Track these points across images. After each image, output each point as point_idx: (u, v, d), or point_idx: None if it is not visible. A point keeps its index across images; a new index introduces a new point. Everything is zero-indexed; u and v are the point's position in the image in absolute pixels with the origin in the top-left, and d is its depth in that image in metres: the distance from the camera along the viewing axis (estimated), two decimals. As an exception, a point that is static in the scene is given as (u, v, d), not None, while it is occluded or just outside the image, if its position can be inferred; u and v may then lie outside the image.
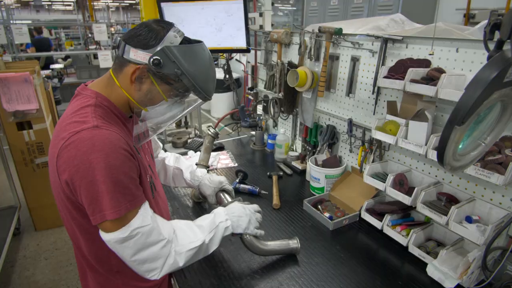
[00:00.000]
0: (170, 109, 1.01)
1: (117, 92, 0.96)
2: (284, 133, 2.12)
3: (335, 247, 1.36)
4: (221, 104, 6.45)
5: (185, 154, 2.23)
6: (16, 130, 2.86)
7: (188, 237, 1.02)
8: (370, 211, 1.48)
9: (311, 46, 1.78)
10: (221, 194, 1.36)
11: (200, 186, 1.40)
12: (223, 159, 2.19)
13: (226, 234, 1.11)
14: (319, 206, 1.61)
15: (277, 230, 1.46)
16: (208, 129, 1.59)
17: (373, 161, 1.53)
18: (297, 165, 2.00)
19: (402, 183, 1.36)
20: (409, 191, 1.32)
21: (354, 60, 1.61)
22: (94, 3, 14.07)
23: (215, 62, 7.38)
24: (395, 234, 1.35)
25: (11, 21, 5.84)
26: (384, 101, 1.49)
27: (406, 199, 1.28)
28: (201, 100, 1.03)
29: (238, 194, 1.76)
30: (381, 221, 1.41)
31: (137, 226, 0.88)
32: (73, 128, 0.85)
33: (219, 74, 5.64)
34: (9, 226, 2.84)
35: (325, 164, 1.72)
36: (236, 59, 3.19)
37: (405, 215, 1.45)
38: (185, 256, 0.98)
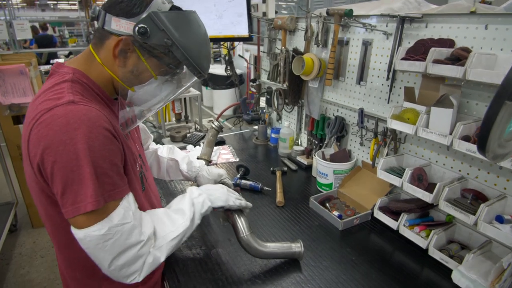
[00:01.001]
0: (160, 89, 0.88)
1: (98, 70, 0.83)
2: (288, 126, 1.98)
3: (345, 249, 1.22)
4: (223, 100, 6.32)
5: (183, 148, 2.10)
6: (12, 124, 2.78)
7: (168, 227, 0.90)
8: (384, 209, 1.34)
9: (318, 31, 1.64)
10: None
11: (198, 178, 1.27)
12: (224, 154, 2.06)
13: (204, 211, 1.00)
14: (327, 204, 1.47)
15: (281, 230, 1.33)
16: (212, 122, 1.45)
17: (387, 155, 1.38)
18: (303, 160, 1.87)
19: (421, 179, 1.22)
20: (428, 188, 1.18)
21: (366, 44, 1.46)
22: (98, 2, 14.01)
23: (218, 59, 7.26)
24: (413, 235, 1.21)
25: (14, 18, 5.76)
26: (400, 88, 1.34)
27: (426, 196, 1.14)
28: (195, 79, 0.90)
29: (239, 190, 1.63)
30: (396, 220, 1.27)
31: (118, 222, 0.75)
32: (45, 106, 0.73)
33: (221, 70, 5.51)
34: (5, 223, 2.75)
35: (334, 159, 1.58)
36: (239, 55, 3.06)
37: (424, 214, 1.31)
38: (166, 248, 0.87)
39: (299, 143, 2.06)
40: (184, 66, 0.87)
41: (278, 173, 1.74)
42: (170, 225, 0.90)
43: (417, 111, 1.17)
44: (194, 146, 2.09)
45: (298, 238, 1.22)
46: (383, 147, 1.43)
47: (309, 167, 1.82)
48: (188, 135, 2.30)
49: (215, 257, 1.17)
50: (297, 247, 1.14)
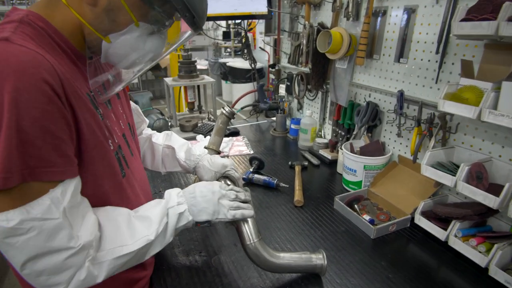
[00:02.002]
0: (143, 42, 0.66)
1: (64, 14, 0.62)
2: (310, 116, 1.74)
3: (378, 263, 0.97)
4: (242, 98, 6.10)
5: (193, 138, 1.90)
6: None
7: (121, 237, 0.68)
8: (428, 215, 1.08)
9: (348, 1, 1.39)
10: (224, 183, 0.99)
11: (198, 169, 1.04)
12: (238, 145, 1.84)
13: (182, 225, 0.76)
14: (355, 206, 1.22)
15: (298, 235, 1.09)
16: (223, 108, 1.23)
17: (433, 148, 1.12)
18: (326, 154, 1.62)
19: (481, 177, 0.95)
20: (490, 189, 0.91)
21: (408, 13, 1.20)
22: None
23: (238, 52, 7.04)
24: (468, 249, 0.94)
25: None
26: (453, 63, 1.07)
27: (489, 200, 0.87)
28: (189, 33, 0.68)
29: (251, 185, 1.41)
30: (445, 229, 1.01)
31: (36, 216, 0.54)
32: None
33: (241, 63, 5.29)
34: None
35: (364, 152, 1.33)
36: (260, 47, 2.83)
37: (479, 223, 1.04)
38: (109, 266, 0.65)
39: (322, 134, 1.81)
40: (173, 10, 0.65)
41: (297, 168, 1.50)
42: (128, 235, 0.68)
43: (480, 89, 0.90)
44: (205, 136, 1.88)
45: (320, 248, 0.98)
46: (428, 138, 1.16)
47: (333, 162, 1.57)
48: (199, 124, 2.10)
49: (216, 266, 0.95)
50: (318, 259, 0.90)
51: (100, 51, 0.66)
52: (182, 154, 1.05)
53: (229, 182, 0.97)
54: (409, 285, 0.90)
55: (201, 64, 6.31)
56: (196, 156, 1.04)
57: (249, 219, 0.85)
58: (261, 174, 1.43)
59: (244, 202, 0.85)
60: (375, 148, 1.33)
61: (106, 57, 0.66)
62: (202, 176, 1.01)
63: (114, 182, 0.69)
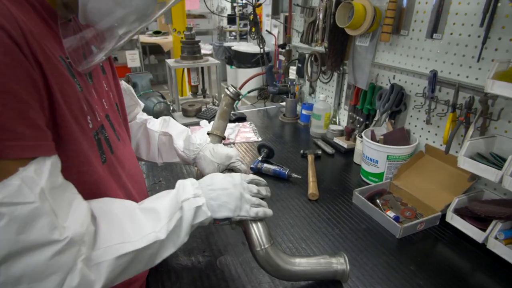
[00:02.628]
0: None
1: None
2: (324, 100, 1.59)
3: (407, 268, 0.85)
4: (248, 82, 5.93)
5: (196, 124, 1.77)
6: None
7: (123, 232, 0.54)
8: (462, 212, 0.95)
9: (373, -31, 1.23)
10: None
11: (198, 160, 0.91)
12: (244, 132, 1.70)
13: (198, 222, 0.63)
14: (377, 201, 1.09)
15: (314, 233, 0.97)
16: (227, 89, 1.08)
17: (471, 137, 0.97)
18: (341, 142, 1.48)
19: (533, 172, 0.81)
20: (543, 186, 0.78)
21: (445, -19, 1.04)
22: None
23: (244, 36, 6.82)
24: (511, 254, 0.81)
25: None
26: (499, 38, 0.92)
27: (547, 199, 0.73)
28: None
29: (259, 176, 1.26)
30: (484, 230, 0.88)
31: (1, 200, 0.40)
32: None
33: (247, 47, 5.10)
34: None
35: (388, 140, 1.18)
36: (267, 30, 2.66)
37: (523, 224, 0.90)
38: (108, 268, 0.51)
39: (337, 121, 1.66)
40: None
41: (310, 158, 1.36)
42: (131, 230, 0.55)
43: (539, 67, 0.76)
44: (209, 122, 1.75)
45: (340, 250, 0.86)
46: (463, 126, 1.01)
47: (349, 151, 1.44)
48: (203, 109, 1.96)
49: (222, 268, 0.83)
50: (339, 263, 0.77)
51: (77, 7, 0.51)
52: (180, 143, 0.91)
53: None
54: (444, 294, 0.77)
55: (205, 48, 6.12)
56: (196, 145, 0.90)
57: (258, 222, 0.72)
58: (271, 164, 1.30)
59: (263, 198, 0.73)
60: (400, 136, 1.19)
61: (84, 15, 0.52)
62: (203, 168, 0.88)
63: (93, 170, 0.55)
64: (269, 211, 0.71)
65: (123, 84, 0.84)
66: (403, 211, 1.06)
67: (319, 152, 1.42)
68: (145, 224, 0.57)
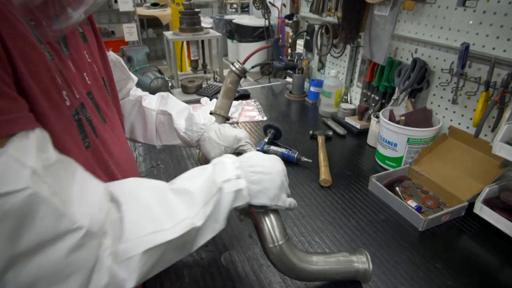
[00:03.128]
0: None
1: None
2: (336, 76, 1.46)
3: (433, 265, 0.76)
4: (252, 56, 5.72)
5: (196, 102, 1.65)
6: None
7: (154, 219, 0.46)
8: (492, 203, 0.85)
9: None
10: None
11: (202, 142, 0.79)
12: (248, 110, 1.59)
13: (236, 206, 0.55)
14: (396, 188, 0.99)
15: (328, 225, 0.88)
16: (232, 64, 0.96)
17: (507, 120, 0.86)
18: (354, 122, 1.37)
19: None
20: None
21: None
22: None
23: (245, 8, 6.53)
24: (555, 254, 0.72)
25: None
26: (549, 5, 0.79)
27: None
28: None
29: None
30: (518, 224, 0.79)
31: None
32: None
33: (249, 20, 4.89)
34: None
35: (408, 121, 1.07)
36: (270, 2, 2.47)
37: (563, 217, 0.81)
38: (140, 263, 0.42)
39: (348, 99, 1.55)
40: None
41: (320, 139, 1.26)
42: (163, 216, 0.47)
43: None
44: (210, 99, 1.63)
45: (360, 247, 0.77)
46: (498, 107, 0.90)
47: (362, 133, 1.33)
48: (204, 85, 1.84)
49: (227, 266, 0.75)
50: (361, 262, 0.68)
51: None
52: (181, 123, 0.80)
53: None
54: (475, 296, 0.69)
55: (205, 22, 5.85)
56: (200, 125, 0.79)
57: (272, 215, 0.62)
58: (278, 146, 1.20)
59: None
60: (422, 117, 1.08)
61: None
62: (208, 151, 0.77)
63: (71, 153, 0.44)
64: (294, 202, 0.64)
65: (111, 55, 0.72)
66: (424, 200, 0.97)
67: (330, 133, 1.32)
68: (179, 208, 0.48)
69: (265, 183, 0.56)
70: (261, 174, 0.57)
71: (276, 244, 0.61)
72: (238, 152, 0.76)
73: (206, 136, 0.77)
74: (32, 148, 0.34)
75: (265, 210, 0.60)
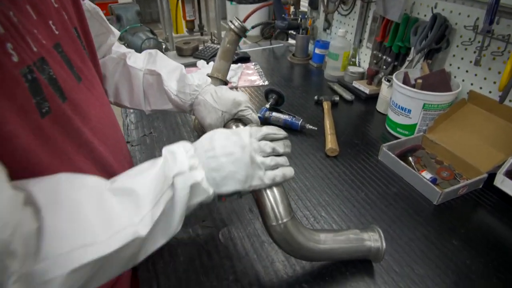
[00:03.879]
0: None
1: None
2: (343, 36, 1.34)
3: (449, 242, 0.70)
4: (251, 18, 5.45)
5: (193, 65, 1.53)
6: None
7: (83, 228, 0.36)
8: (515, 175, 0.78)
9: None
10: (236, 128, 0.67)
11: (197, 106, 0.69)
12: (248, 74, 1.48)
13: (196, 202, 0.47)
14: (410, 158, 0.92)
15: (335, 198, 0.81)
16: (231, 22, 0.85)
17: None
18: (362, 86, 1.27)
19: None
20: None
21: None
22: None
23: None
24: None
25: None
26: None
27: None
28: None
29: (268, 128, 1.09)
30: (545, 198, 0.72)
31: None
32: None
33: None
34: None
35: (424, 84, 0.98)
36: None
37: None
38: (66, 285, 0.33)
39: (356, 62, 1.43)
40: None
41: (326, 105, 1.17)
42: (97, 224, 0.37)
43: None
44: (207, 63, 1.51)
45: (372, 223, 0.70)
46: (529, 67, 0.80)
47: (371, 98, 1.23)
48: (201, 47, 1.71)
49: (226, 244, 0.69)
50: (373, 240, 0.62)
51: None
52: (172, 84, 0.69)
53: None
54: (495, 276, 0.63)
55: (202, -20, 5.54)
56: (194, 87, 0.68)
57: (274, 189, 0.54)
58: (281, 112, 1.11)
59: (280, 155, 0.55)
60: (439, 81, 0.98)
61: None
62: (203, 117, 0.68)
63: (12, 125, 0.35)
64: (289, 171, 0.54)
65: (87, 3, 0.61)
66: (439, 171, 0.89)
67: (336, 98, 1.22)
68: (119, 214, 0.38)
69: (228, 166, 0.48)
70: (222, 157, 0.48)
71: (280, 222, 0.54)
72: (237, 118, 0.67)
73: (201, 100, 0.68)
74: None
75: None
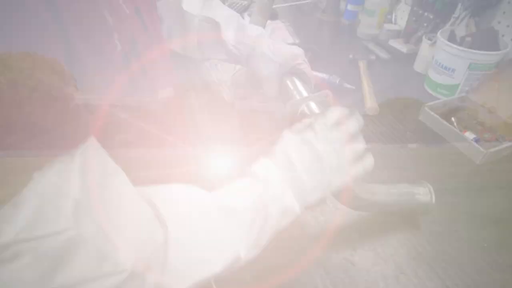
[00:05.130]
0: None
1: None
2: (381, -9, 1.28)
3: (493, 201, 0.71)
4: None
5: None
6: None
7: (197, 245, 0.36)
8: None
9: None
10: (291, 82, 0.66)
11: (252, 58, 0.65)
12: (278, 32, 1.44)
13: (286, 224, 0.42)
14: (452, 119, 0.91)
15: (377, 158, 0.81)
16: None
17: None
18: (399, 45, 1.22)
19: None
20: None
21: None
22: None
23: None
24: None
25: None
26: None
27: None
28: None
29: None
30: None
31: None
32: None
33: None
34: None
35: (470, 43, 0.94)
36: None
37: None
38: None
39: (393, 19, 1.37)
40: None
41: (361, 64, 1.14)
42: (207, 243, 0.37)
43: None
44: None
45: (422, 180, 0.71)
46: None
47: (408, 57, 1.20)
48: (226, 3, 1.65)
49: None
50: (425, 193, 0.63)
51: None
52: (230, 34, 0.66)
53: (299, 85, 0.63)
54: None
55: None
56: (254, 38, 0.66)
57: None
58: (316, 71, 1.09)
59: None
60: (487, 39, 0.94)
61: None
62: (259, 69, 0.66)
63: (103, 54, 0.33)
64: (369, 162, 0.47)
65: None
66: (481, 132, 0.88)
67: (373, 57, 1.19)
68: (224, 233, 0.38)
69: (310, 183, 0.42)
70: (303, 172, 0.42)
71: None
72: (293, 72, 0.66)
73: (258, 52, 0.65)
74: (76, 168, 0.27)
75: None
